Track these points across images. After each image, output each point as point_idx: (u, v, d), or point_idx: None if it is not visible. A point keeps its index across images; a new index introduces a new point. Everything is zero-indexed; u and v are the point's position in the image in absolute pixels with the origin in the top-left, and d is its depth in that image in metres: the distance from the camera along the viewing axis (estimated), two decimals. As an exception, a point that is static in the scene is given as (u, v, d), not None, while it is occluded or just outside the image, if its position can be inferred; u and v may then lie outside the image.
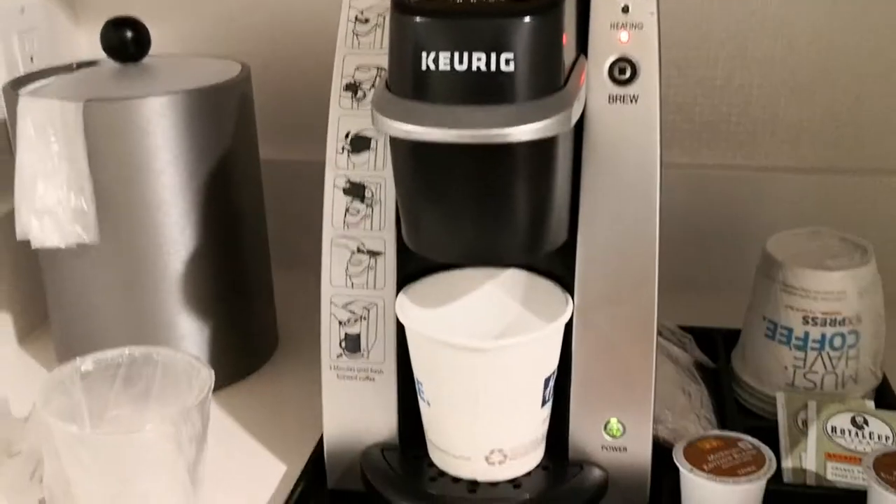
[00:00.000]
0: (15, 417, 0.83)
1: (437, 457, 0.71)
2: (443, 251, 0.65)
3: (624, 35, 0.66)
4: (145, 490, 0.65)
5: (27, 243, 0.84)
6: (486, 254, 0.64)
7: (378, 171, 0.70)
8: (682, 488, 0.69)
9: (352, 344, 0.72)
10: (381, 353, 0.72)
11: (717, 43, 1.04)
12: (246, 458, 0.82)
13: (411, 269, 0.71)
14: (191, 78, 0.87)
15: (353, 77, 0.71)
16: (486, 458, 0.68)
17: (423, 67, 0.56)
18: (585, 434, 0.70)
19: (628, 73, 0.65)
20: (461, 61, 0.55)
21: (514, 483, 0.69)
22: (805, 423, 0.76)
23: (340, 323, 0.72)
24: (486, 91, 0.56)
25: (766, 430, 0.75)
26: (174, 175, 0.84)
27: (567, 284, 0.69)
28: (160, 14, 1.10)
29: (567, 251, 0.68)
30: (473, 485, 0.69)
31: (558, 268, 0.69)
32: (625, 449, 0.70)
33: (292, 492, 0.74)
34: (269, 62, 1.12)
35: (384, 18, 0.70)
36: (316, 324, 0.73)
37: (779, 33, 1.02)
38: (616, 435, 0.69)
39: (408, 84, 0.57)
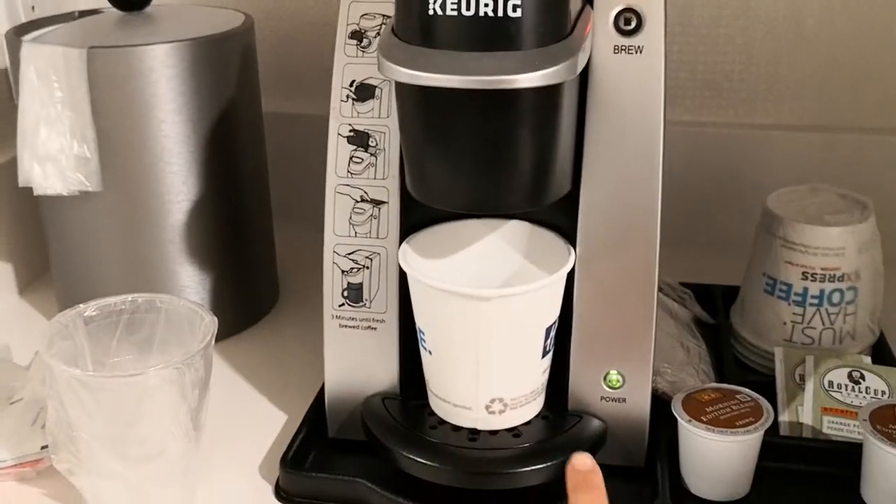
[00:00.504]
0: (17, 365, 0.84)
1: (437, 406, 0.71)
2: (446, 200, 0.65)
3: (630, -15, 0.65)
4: (147, 434, 0.66)
5: (28, 192, 0.84)
6: (490, 202, 0.64)
7: (382, 119, 0.70)
8: (679, 440, 0.70)
9: (354, 293, 0.72)
10: (384, 303, 0.72)
11: (721, 0, 1.04)
12: (247, 407, 0.83)
13: (415, 218, 0.71)
14: (194, 27, 0.87)
15: (358, 24, 0.70)
16: (487, 408, 0.68)
17: (431, 12, 0.56)
18: (585, 385, 0.70)
19: (634, 24, 0.65)
20: (468, 6, 0.55)
21: (514, 432, 0.70)
22: (802, 377, 0.76)
23: (343, 272, 0.72)
24: (492, 37, 0.56)
25: (764, 385, 0.76)
26: (177, 124, 0.84)
27: (569, 236, 0.69)
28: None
29: (570, 203, 0.68)
30: (474, 433, 0.69)
31: (561, 220, 0.70)
32: (624, 400, 0.70)
33: (293, 440, 0.74)
34: (273, 13, 1.11)
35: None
36: (317, 276, 0.73)
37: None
38: (615, 386, 0.70)
39: (414, 29, 0.57)
